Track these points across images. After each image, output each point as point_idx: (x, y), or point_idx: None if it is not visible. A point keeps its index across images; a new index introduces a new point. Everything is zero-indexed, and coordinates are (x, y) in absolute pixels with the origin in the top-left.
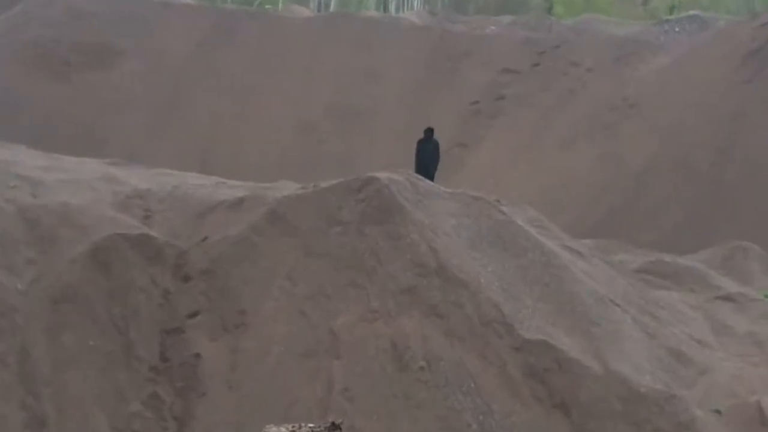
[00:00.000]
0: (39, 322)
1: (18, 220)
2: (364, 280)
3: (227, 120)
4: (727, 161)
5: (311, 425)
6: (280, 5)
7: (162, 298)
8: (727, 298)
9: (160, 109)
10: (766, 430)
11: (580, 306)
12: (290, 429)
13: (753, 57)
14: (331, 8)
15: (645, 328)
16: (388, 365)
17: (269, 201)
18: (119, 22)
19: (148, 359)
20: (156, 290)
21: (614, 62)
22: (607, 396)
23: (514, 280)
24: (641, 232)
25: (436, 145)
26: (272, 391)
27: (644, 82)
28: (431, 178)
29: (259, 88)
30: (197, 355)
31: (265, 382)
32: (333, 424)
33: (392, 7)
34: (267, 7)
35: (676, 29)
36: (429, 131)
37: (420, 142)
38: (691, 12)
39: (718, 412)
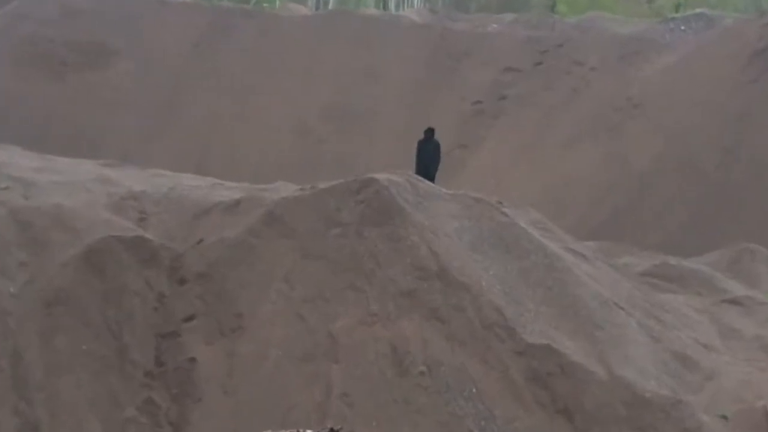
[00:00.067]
0: (32, 326)
1: (10, 222)
2: (363, 283)
3: (224, 120)
4: (734, 161)
5: (309, 431)
6: (278, 3)
7: (157, 301)
8: (734, 301)
9: (156, 109)
10: None
11: (584, 309)
12: None
13: (760, 56)
14: (330, 6)
15: (650, 332)
16: (388, 370)
17: (266, 203)
18: (114, 21)
19: (143, 364)
20: (151, 293)
21: (618, 61)
22: (611, 401)
23: (516, 283)
24: (646, 233)
25: (437, 146)
26: (269, 396)
27: (649, 81)
28: (432, 179)
29: (256, 88)
30: (193, 360)
31: (262, 387)
32: (332, 430)
33: (392, 5)
34: (264, 5)
35: (682, 27)
36: (429, 131)
37: (420, 143)
38: (698, 10)
39: (724, 417)
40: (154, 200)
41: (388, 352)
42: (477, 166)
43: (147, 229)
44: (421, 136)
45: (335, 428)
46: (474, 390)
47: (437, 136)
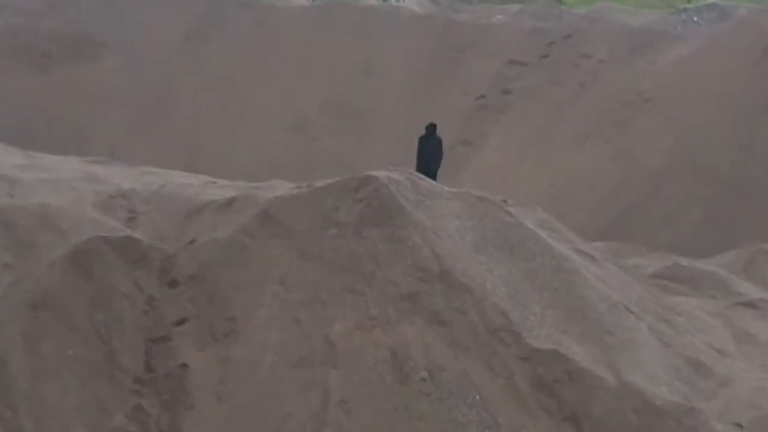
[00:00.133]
0: (16, 330)
1: None
2: (362, 286)
3: (217, 115)
4: (748, 158)
5: None
6: None
7: (147, 304)
8: (749, 304)
9: (146, 103)
10: None
11: (593, 313)
12: None
13: None
14: None
15: (661, 336)
16: (388, 376)
17: (261, 201)
18: (101, 11)
19: (132, 369)
20: (140, 296)
21: (629, 54)
22: (620, 408)
23: (521, 285)
24: (657, 233)
25: (439, 142)
26: (264, 403)
27: (660, 74)
28: (433, 176)
29: (250, 82)
30: (184, 365)
31: (256, 393)
32: None
33: None
34: None
35: (695, 18)
36: (431, 127)
37: (422, 139)
38: (711, 0)
39: (739, 425)
40: (143, 199)
41: (388, 358)
42: (481, 164)
43: (136, 228)
44: (423, 131)
45: None
46: (477, 397)
47: (439, 131)
